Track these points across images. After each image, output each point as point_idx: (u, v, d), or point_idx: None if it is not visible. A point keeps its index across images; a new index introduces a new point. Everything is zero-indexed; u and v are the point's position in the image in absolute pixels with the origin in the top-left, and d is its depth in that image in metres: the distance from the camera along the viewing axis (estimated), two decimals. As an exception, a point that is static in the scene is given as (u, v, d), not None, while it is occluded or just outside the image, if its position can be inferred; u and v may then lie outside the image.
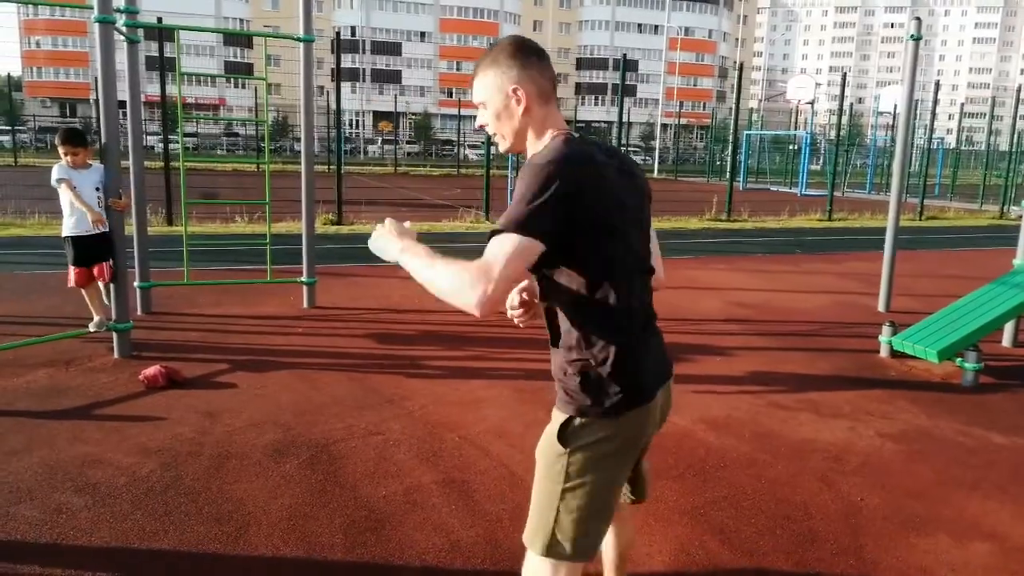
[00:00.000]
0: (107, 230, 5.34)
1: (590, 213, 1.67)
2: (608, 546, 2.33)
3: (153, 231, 9.77)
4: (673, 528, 3.14)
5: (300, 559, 2.83)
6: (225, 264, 8.87)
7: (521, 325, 2.04)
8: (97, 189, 5.32)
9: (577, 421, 1.78)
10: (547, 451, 1.83)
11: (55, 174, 5.21)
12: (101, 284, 5.50)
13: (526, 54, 1.81)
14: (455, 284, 1.61)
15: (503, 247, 1.60)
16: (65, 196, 5.25)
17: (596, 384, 1.77)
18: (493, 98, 1.83)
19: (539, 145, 1.82)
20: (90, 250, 5.38)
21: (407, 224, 1.86)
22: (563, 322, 1.83)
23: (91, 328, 5.48)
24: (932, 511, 3.36)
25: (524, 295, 1.95)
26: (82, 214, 5.28)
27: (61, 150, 5.27)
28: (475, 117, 1.98)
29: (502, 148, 1.93)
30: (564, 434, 1.79)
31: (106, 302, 5.59)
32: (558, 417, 1.82)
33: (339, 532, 3.02)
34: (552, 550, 1.82)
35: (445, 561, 2.84)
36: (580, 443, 1.78)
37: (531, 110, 1.82)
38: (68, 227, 5.39)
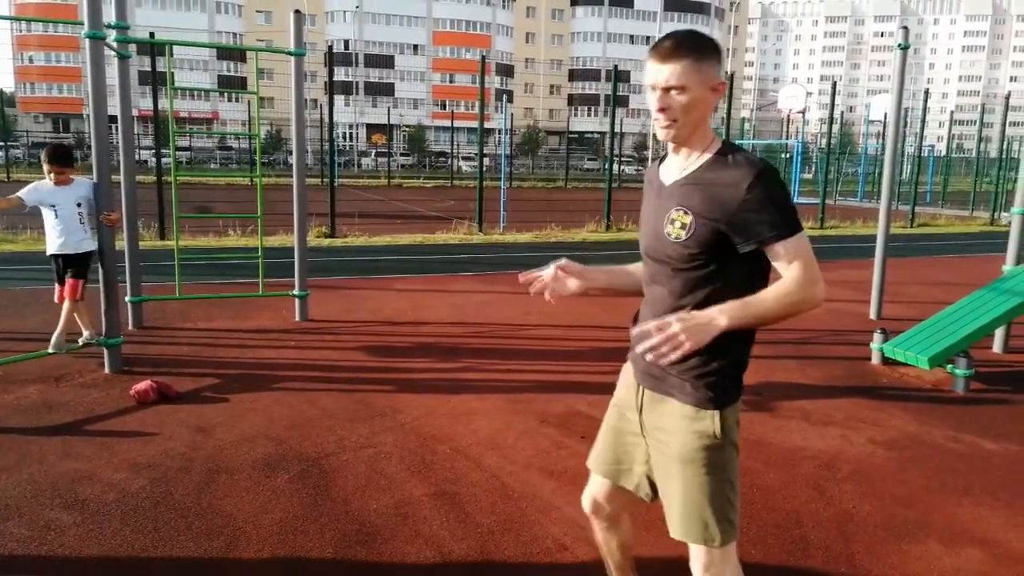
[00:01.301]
0: (91, 249, 5.40)
1: None
2: (613, 550, 2.36)
3: (146, 245, 9.76)
4: (665, 538, 3.11)
5: (291, 572, 2.82)
6: (217, 278, 8.85)
7: (549, 296, 2.10)
8: (79, 205, 5.36)
9: (726, 411, 1.92)
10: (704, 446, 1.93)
11: (25, 190, 5.30)
12: (67, 303, 5.45)
13: (721, 52, 1.88)
14: (796, 297, 1.78)
15: (806, 244, 1.80)
16: (48, 216, 5.32)
17: (735, 377, 1.94)
18: (696, 87, 1.81)
19: (707, 144, 1.88)
20: (68, 267, 5.43)
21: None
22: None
23: (80, 342, 5.51)
24: (923, 518, 3.36)
25: (560, 271, 2.07)
26: (60, 234, 5.35)
27: (46, 168, 5.29)
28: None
29: (668, 136, 1.88)
30: (724, 426, 1.92)
31: (79, 320, 5.56)
32: (706, 413, 1.91)
33: (329, 546, 3.00)
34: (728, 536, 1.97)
35: (436, 574, 2.83)
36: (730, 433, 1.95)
37: (712, 109, 1.90)
38: (48, 246, 5.44)
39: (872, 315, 7.51)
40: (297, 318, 6.89)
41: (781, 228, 1.76)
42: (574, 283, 2.11)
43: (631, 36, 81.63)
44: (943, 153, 34.29)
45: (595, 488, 2.25)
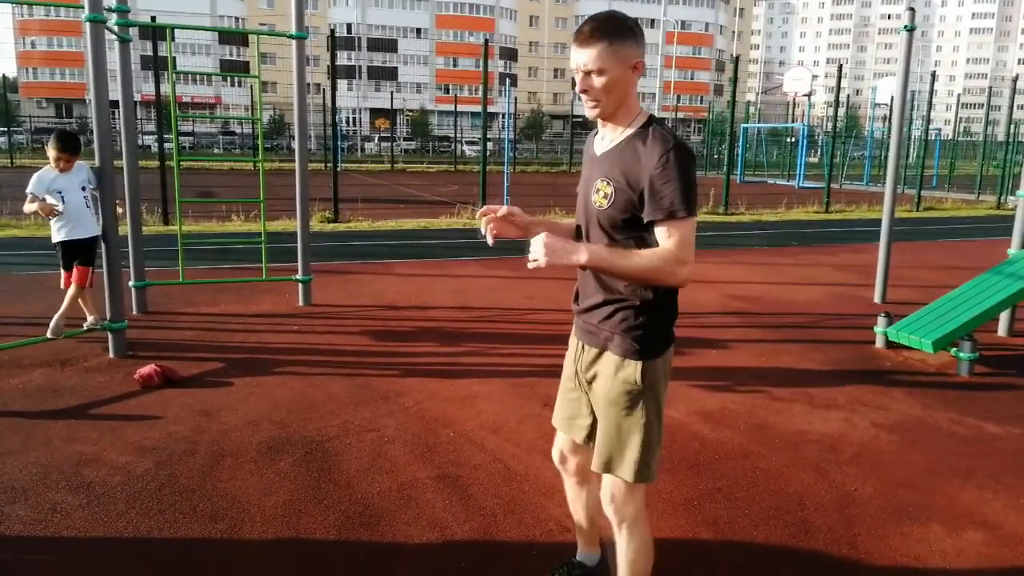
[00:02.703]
0: (98, 234, 5.37)
1: None
2: (579, 510, 2.54)
3: (149, 230, 9.77)
4: (667, 520, 3.14)
5: (294, 555, 2.84)
6: (221, 263, 8.86)
7: (489, 236, 2.17)
8: (83, 188, 5.34)
9: (650, 363, 2.11)
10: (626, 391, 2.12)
11: (31, 185, 5.19)
12: (72, 288, 5.44)
13: (642, 32, 2.01)
14: (661, 270, 1.92)
15: (691, 228, 1.93)
16: (31, 207, 5.18)
17: (659, 334, 2.12)
18: (614, 68, 1.94)
19: (631, 118, 2.03)
20: (76, 254, 5.42)
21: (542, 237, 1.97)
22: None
23: (85, 327, 5.52)
24: (926, 501, 3.37)
25: (507, 208, 2.16)
26: (67, 220, 5.30)
27: (52, 154, 5.23)
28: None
29: (594, 114, 2.03)
30: (645, 376, 2.11)
31: (83, 305, 5.57)
32: (630, 363, 2.09)
33: (333, 528, 3.02)
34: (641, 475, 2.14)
35: (440, 556, 2.84)
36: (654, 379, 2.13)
37: (636, 85, 2.02)
38: (55, 233, 5.41)
39: (876, 299, 7.49)
40: (300, 303, 6.90)
41: (675, 207, 1.90)
42: (515, 232, 2.21)
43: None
44: (950, 136, 34.08)
45: (559, 442, 2.46)
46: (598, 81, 1.95)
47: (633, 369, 2.09)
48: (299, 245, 6.87)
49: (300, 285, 6.91)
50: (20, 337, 5.39)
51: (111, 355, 5.20)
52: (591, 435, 2.27)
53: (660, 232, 1.94)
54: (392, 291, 7.62)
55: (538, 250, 1.88)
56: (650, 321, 2.08)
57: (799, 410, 4.47)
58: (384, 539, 2.95)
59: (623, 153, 2.00)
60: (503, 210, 2.16)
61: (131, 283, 6.38)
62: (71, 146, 5.28)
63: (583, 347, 2.22)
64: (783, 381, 5.01)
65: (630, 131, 2.02)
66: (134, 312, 6.35)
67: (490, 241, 2.15)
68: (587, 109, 2.01)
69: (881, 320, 5.85)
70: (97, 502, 3.18)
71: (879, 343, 5.86)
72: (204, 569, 2.75)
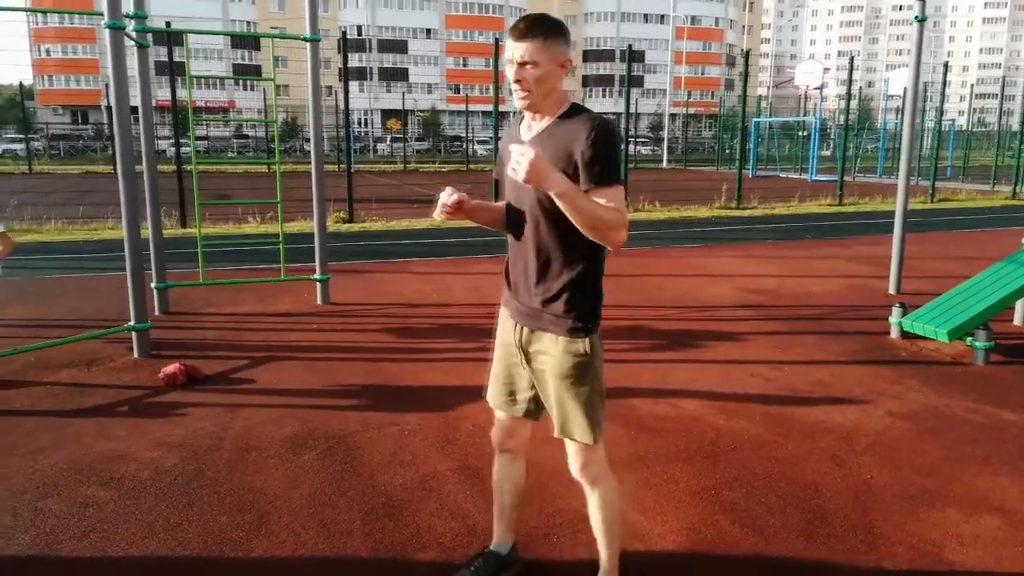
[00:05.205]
0: None
1: None
2: (506, 490, 2.64)
3: (168, 233, 9.89)
4: (684, 508, 3.19)
5: (320, 545, 2.91)
6: (239, 264, 8.97)
7: (441, 217, 2.32)
8: None
9: (591, 338, 2.31)
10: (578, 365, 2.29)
11: None
12: None
13: (569, 33, 2.21)
14: (613, 222, 2.05)
15: (622, 195, 2.10)
16: None
17: (594, 313, 2.32)
18: (546, 62, 2.12)
19: (557, 108, 2.19)
20: None
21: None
22: (570, 259, 2.24)
23: None
24: (942, 487, 3.40)
25: (457, 197, 2.27)
26: None
27: None
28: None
29: (524, 104, 2.18)
30: (591, 348, 2.31)
31: None
32: (577, 339, 2.28)
33: (357, 519, 3.09)
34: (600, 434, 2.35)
35: (462, 545, 2.91)
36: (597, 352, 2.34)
37: (562, 81, 2.20)
38: None
39: (891, 290, 7.49)
40: (319, 302, 6.99)
41: (608, 175, 2.08)
42: (461, 216, 2.36)
43: (645, 15, 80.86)
44: (964, 127, 33.83)
45: (500, 422, 2.59)
46: (531, 73, 2.11)
47: (582, 345, 2.27)
48: (316, 245, 6.96)
49: (318, 284, 7.00)
50: (46, 339, 5.50)
51: (136, 355, 5.30)
52: (529, 411, 2.46)
53: (597, 199, 2.08)
54: (409, 289, 7.70)
55: (524, 163, 1.94)
56: (590, 300, 2.28)
57: (815, 400, 4.51)
58: (408, 529, 3.02)
59: (552, 134, 2.15)
60: (454, 198, 2.26)
61: (153, 285, 6.49)
62: None
63: (522, 329, 2.36)
64: (799, 372, 5.04)
65: (556, 117, 2.19)
66: (156, 313, 6.46)
67: (437, 213, 2.29)
68: (518, 99, 2.17)
69: (896, 310, 5.86)
70: (128, 496, 3.27)
71: (894, 333, 5.87)
72: (234, 559, 2.82)
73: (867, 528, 3.03)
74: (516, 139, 2.27)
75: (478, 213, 2.41)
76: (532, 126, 2.25)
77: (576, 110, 2.18)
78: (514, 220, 2.33)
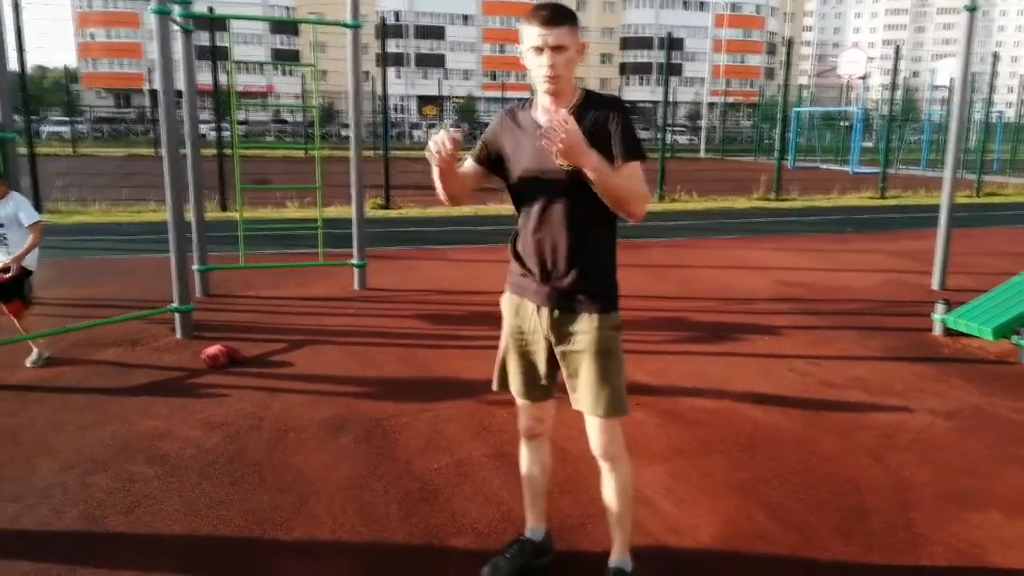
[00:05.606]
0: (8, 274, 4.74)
1: None
2: (536, 475, 2.70)
3: (209, 217, 10.05)
4: (720, 502, 3.18)
5: (359, 528, 2.95)
6: (278, 248, 9.09)
7: (437, 159, 2.23)
8: (1, 225, 4.80)
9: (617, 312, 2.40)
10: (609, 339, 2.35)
11: None
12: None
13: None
14: (643, 195, 2.19)
15: (642, 173, 2.22)
16: None
17: (616, 289, 2.40)
18: (572, 47, 2.21)
19: (573, 92, 2.27)
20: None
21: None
22: (602, 236, 2.33)
23: (28, 364, 4.78)
24: (985, 487, 3.34)
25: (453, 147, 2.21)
26: None
27: None
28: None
29: (552, 87, 2.22)
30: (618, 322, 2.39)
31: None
32: (609, 315, 2.35)
33: (394, 503, 3.13)
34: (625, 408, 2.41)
35: (497, 531, 2.93)
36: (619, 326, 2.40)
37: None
38: None
39: (935, 285, 7.35)
40: (356, 287, 7.05)
41: (637, 148, 2.22)
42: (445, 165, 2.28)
43: (684, 2, 79.75)
44: (1012, 119, 32.90)
45: (524, 411, 2.61)
46: (562, 58, 2.18)
47: (612, 320, 2.35)
48: (354, 230, 7.02)
49: (355, 270, 7.07)
50: (93, 318, 5.64)
51: (178, 336, 5.41)
52: (550, 394, 2.53)
53: (627, 172, 2.18)
54: (445, 276, 7.74)
55: (558, 137, 1.97)
56: (612, 278, 2.38)
57: (854, 396, 4.45)
58: (443, 513, 3.05)
59: (579, 117, 2.16)
60: (451, 146, 2.19)
61: (195, 267, 6.61)
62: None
63: (551, 312, 2.36)
64: (838, 367, 4.98)
65: (575, 100, 2.27)
66: (198, 295, 6.58)
67: (431, 143, 2.20)
68: (546, 82, 2.20)
69: (939, 307, 5.75)
70: (172, 473, 3.35)
71: (937, 330, 5.76)
72: (275, 539, 2.88)
73: (907, 527, 3.00)
74: (529, 124, 2.31)
75: (452, 173, 2.30)
76: (550, 111, 2.22)
77: (591, 94, 2.29)
78: (535, 204, 2.31)
